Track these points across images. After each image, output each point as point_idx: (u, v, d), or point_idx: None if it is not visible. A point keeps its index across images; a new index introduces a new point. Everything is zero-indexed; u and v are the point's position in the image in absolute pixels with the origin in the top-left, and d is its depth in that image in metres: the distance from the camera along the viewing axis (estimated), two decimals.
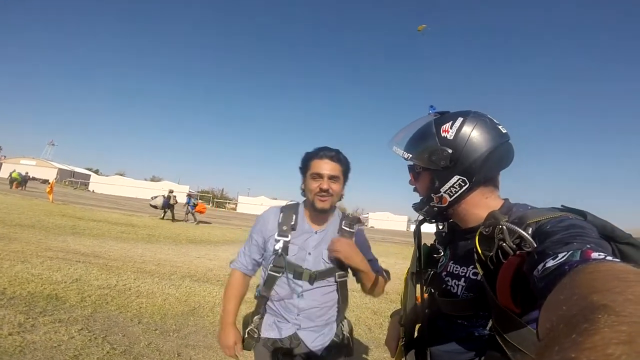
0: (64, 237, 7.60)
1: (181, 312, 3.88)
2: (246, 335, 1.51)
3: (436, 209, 0.92)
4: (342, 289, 1.51)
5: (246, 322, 1.55)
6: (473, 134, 0.85)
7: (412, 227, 1.15)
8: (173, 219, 15.93)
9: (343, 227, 1.53)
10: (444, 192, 0.88)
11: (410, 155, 0.91)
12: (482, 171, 0.86)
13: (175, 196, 16.79)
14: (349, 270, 1.51)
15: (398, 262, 9.54)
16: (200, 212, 17.22)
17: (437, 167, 0.87)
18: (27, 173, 30.06)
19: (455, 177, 0.86)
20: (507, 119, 0.95)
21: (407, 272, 1.11)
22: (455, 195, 0.88)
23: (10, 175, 25.91)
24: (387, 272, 1.60)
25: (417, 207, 0.99)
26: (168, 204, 16.21)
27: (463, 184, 0.87)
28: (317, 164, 1.43)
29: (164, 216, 16.33)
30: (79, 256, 5.86)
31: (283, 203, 1.62)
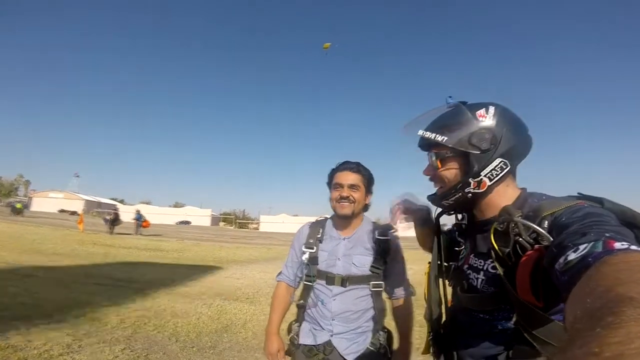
0: (98, 264, 7.93)
1: (215, 330, 3.97)
2: (288, 342, 1.59)
3: (470, 194, 0.89)
4: (376, 298, 1.53)
5: (289, 329, 1.63)
6: (510, 119, 0.88)
7: None
8: (112, 232, 18.05)
9: (377, 237, 1.54)
10: (484, 176, 0.86)
11: (446, 139, 0.87)
12: (519, 156, 0.89)
13: (118, 214, 19.80)
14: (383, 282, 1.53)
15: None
16: (145, 227, 20.62)
17: (478, 150, 0.85)
18: (26, 202, 39.43)
19: (497, 159, 0.86)
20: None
21: (428, 266, 1.12)
22: (496, 179, 0.87)
23: (14, 205, 31.42)
24: (412, 288, 1.62)
25: (440, 197, 0.94)
26: (113, 221, 18.84)
27: (504, 167, 0.86)
28: (338, 176, 1.56)
29: (112, 231, 18.22)
30: (114, 281, 6.11)
31: (305, 219, 1.71)
